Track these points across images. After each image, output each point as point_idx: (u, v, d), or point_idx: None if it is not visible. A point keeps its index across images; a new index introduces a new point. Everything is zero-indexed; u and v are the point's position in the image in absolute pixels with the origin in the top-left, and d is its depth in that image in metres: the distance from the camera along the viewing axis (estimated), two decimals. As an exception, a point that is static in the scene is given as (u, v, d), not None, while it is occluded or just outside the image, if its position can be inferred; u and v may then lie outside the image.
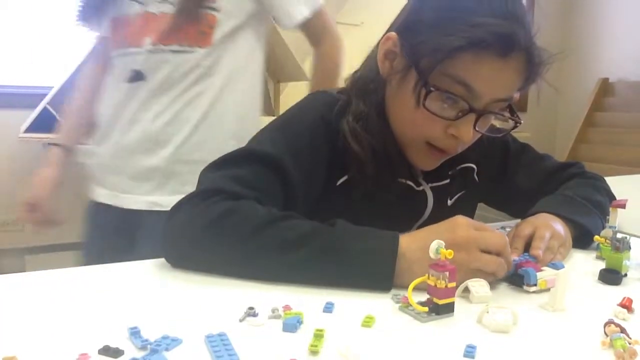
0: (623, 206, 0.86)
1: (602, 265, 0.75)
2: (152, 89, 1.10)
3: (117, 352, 0.49)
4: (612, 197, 1.00)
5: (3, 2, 2.66)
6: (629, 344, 0.52)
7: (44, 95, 2.41)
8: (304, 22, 1.19)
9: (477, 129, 0.81)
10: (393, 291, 0.65)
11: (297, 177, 0.82)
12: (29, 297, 0.63)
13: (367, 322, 0.57)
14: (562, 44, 4.36)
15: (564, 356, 0.52)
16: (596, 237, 0.83)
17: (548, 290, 0.65)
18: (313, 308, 0.60)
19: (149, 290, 0.66)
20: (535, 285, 0.67)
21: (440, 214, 0.86)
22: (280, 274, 0.69)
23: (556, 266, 0.73)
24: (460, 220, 0.72)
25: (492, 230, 0.72)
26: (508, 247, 0.71)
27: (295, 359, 0.48)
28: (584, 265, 0.79)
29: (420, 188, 0.93)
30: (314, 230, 0.70)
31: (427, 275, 0.60)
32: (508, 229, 0.95)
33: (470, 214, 1.05)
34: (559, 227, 0.84)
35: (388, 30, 0.86)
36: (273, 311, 0.58)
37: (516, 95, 0.83)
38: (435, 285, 0.59)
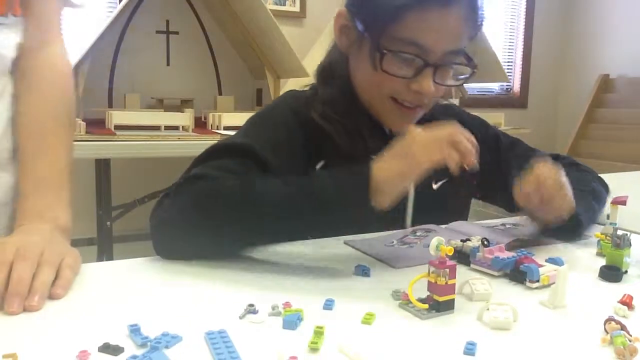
0: (624, 203, 0.85)
1: (602, 262, 0.75)
2: None
3: (117, 350, 0.49)
4: (606, 188, 1.01)
5: None
6: (629, 341, 0.52)
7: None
8: None
9: (437, 81, 0.84)
10: (393, 288, 0.65)
11: (275, 165, 0.82)
12: (29, 294, 0.63)
13: (367, 319, 0.57)
14: (563, 39, 4.35)
15: (564, 353, 0.52)
16: (596, 233, 0.83)
17: (549, 286, 0.65)
18: (313, 305, 0.60)
19: (148, 288, 0.66)
20: (538, 281, 0.67)
21: (424, 195, 0.93)
22: (271, 230, 0.72)
23: (557, 262, 0.73)
24: (413, 132, 0.72)
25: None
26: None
27: (296, 356, 0.48)
28: (584, 262, 0.79)
29: None
30: (295, 185, 0.72)
31: (427, 272, 0.60)
32: (508, 226, 0.95)
33: (462, 207, 1.05)
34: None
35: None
36: (273, 308, 0.58)
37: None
38: (436, 282, 0.58)
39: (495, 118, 2.65)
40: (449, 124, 0.73)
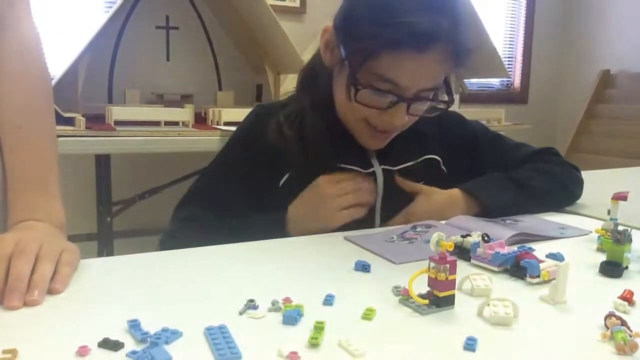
0: (624, 198, 0.85)
1: (603, 257, 0.74)
2: None
3: (117, 345, 0.49)
4: (566, 185, 1.05)
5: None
6: (630, 336, 0.52)
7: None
8: None
9: (411, 113, 0.87)
10: (394, 284, 0.65)
11: (243, 191, 0.93)
12: (29, 289, 0.63)
13: (368, 314, 0.57)
14: (563, 35, 4.34)
15: (565, 349, 0.52)
16: (597, 229, 0.83)
17: (550, 281, 0.65)
18: (313, 300, 0.60)
19: (149, 283, 0.66)
20: (538, 276, 0.67)
21: (402, 199, 0.96)
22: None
23: (557, 258, 0.73)
24: (321, 180, 0.90)
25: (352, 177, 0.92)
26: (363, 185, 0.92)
27: (296, 352, 0.48)
28: (584, 257, 0.79)
29: (370, 170, 0.96)
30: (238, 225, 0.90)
31: (427, 267, 0.59)
32: (509, 221, 0.95)
33: None
34: (443, 199, 0.97)
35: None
36: (273, 304, 0.58)
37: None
38: (436, 278, 0.58)
39: (496, 114, 2.65)
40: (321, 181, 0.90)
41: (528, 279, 0.67)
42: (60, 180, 0.76)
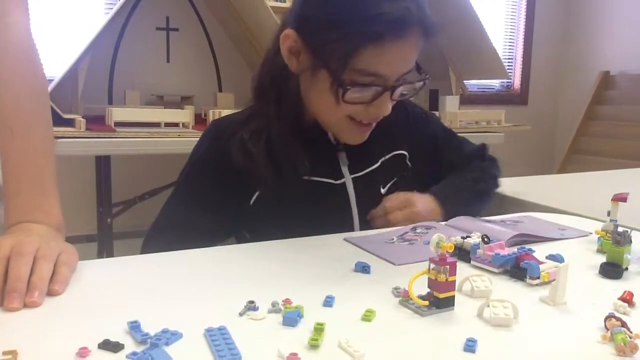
0: (624, 199, 0.85)
1: (602, 258, 0.74)
2: None
3: (117, 346, 0.49)
4: (497, 182, 1.12)
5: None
6: (630, 337, 0.52)
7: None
8: None
9: (394, 99, 0.88)
10: (393, 285, 0.65)
11: (209, 215, 0.91)
12: (29, 291, 0.63)
13: (368, 316, 0.57)
14: (564, 36, 4.35)
15: (565, 350, 0.52)
16: (597, 230, 0.83)
17: (550, 283, 0.65)
18: (313, 302, 0.60)
19: (149, 284, 0.66)
20: (538, 278, 0.67)
21: (374, 203, 0.97)
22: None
23: (557, 259, 0.73)
24: None
25: None
26: None
27: (296, 353, 0.48)
28: (584, 258, 0.79)
29: (341, 181, 0.97)
30: None
31: (427, 268, 0.60)
32: (509, 222, 0.95)
33: None
34: (423, 201, 0.98)
35: (281, 24, 0.91)
36: (273, 305, 0.58)
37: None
38: (436, 279, 0.58)
39: (496, 115, 2.64)
40: None
41: (528, 280, 0.67)
42: (59, 182, 0.76)
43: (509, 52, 4.27)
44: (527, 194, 1.28)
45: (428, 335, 0.54)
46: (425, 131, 1.10)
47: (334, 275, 0.70)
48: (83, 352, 0.48)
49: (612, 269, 0.72)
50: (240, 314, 0.57)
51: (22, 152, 0.74)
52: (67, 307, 0.58)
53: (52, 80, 2.39)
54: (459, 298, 0.60)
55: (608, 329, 0.54)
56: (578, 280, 0.69)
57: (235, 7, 2.28)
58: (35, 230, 0.68)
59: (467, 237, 0.77)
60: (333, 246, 0.82)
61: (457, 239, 0.77)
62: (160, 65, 2.44)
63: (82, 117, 1.77)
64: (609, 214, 0.86)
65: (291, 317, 0.55)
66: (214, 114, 2.05)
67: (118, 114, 1.87)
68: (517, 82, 4.30)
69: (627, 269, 0.73)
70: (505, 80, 4.18)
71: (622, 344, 0.50)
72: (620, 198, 0.86)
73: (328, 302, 0.60)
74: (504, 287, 0.67)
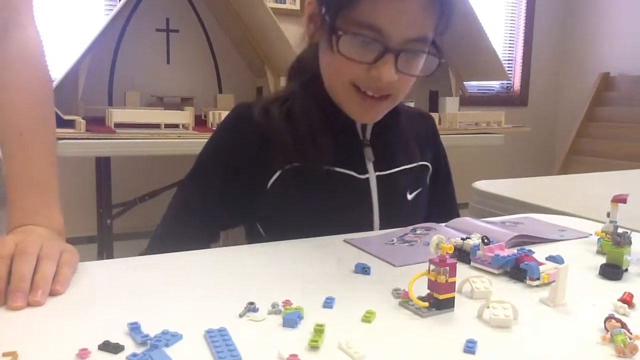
0: (624, 201, 0.85)
1: (602, 260, 0.75)
2: None
3: (117, 348, 0.49)
4: None
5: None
6: (630, 339, 0.52)
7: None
8: None
9: (400, 69, 0.82)
10: (393, 286, 0.65)
11: (226, 198, 0.91)
12: (29, 292, 0.63)
13: (368, 317, 0.57)
14: (564, 38, 4.35)
15: (565, 351, 0.52)
16: (596, 231, 0.83)
17: (550, 284, 0.65)
18: (313, 303, 0.60)
19: (149, 286, 0.66)
20: (538, 279, 0.67)
21: (399, 206, 0.94)
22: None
23: (557, 260, 0.73)
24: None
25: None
26: None
27: (296, 354, 0.48)
28: (584, 260, 0.79)
29: (365, 176, 0.94)
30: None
31: (427, 270, 0.60)
32: (509, 224, 0.95)
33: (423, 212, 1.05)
34: None
35: None
36: (273, 306, 0.58)
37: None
38: (436, 280, 0.58)
39: (496, 116, 2.65)
40: None
41: (528, 282, 0.67)
42: (60, 184, 0.77)
43: (509, 53, 4.27)
44: (527, 195, 1.28)
45: (428, 336, 0.54)
46: (441, 158, 1.08)
47: (334, 277, 0.70)
48: (83, 353, 0.48)
49: (612, 270, 0.72)
50: (240, 316, 0.57)
51: (29, 157, 0.75)
52: (67, 308, 0.58)
53: (53, 81, 2.40)
54: (458, 299, 0.60)
55: (608, 330, 0.54)
56: (578, 282, 0.69)
57: (235, 9, 2.29)
58: (37, 232, 0.69)
59: (467, 238, 0.77)
60: (333, 247, 0.82)
61: (457, 240, 0.77)
62: (161, 66, 2.44)
63: (82, 119, 1.78)
64: (608, 215, 0.86)
65: (291, 319, 0.55)
66: (214, 116, 2.05)
67: (118, 115, 1.87)
68: (517, 84, 4.30)
69: (626, 270, 0.73)
70: (505, 82, 4.18)
71: (622, 345, 0.50)
72: (620, 199, 0.86)
73: (328, 303, 0.60)
74: (504, 289, 0.67)
